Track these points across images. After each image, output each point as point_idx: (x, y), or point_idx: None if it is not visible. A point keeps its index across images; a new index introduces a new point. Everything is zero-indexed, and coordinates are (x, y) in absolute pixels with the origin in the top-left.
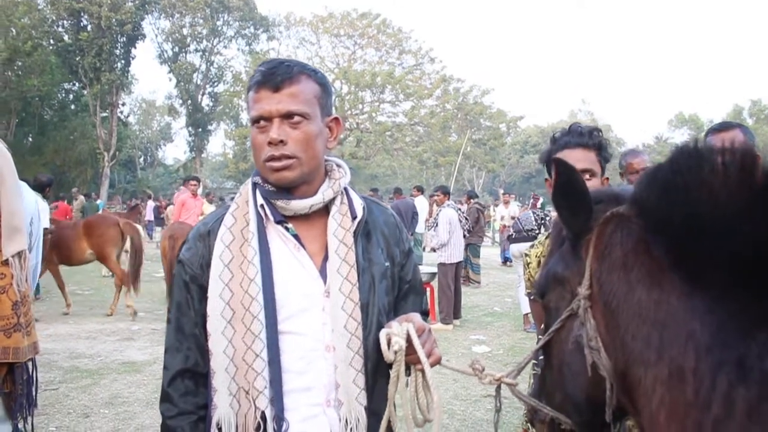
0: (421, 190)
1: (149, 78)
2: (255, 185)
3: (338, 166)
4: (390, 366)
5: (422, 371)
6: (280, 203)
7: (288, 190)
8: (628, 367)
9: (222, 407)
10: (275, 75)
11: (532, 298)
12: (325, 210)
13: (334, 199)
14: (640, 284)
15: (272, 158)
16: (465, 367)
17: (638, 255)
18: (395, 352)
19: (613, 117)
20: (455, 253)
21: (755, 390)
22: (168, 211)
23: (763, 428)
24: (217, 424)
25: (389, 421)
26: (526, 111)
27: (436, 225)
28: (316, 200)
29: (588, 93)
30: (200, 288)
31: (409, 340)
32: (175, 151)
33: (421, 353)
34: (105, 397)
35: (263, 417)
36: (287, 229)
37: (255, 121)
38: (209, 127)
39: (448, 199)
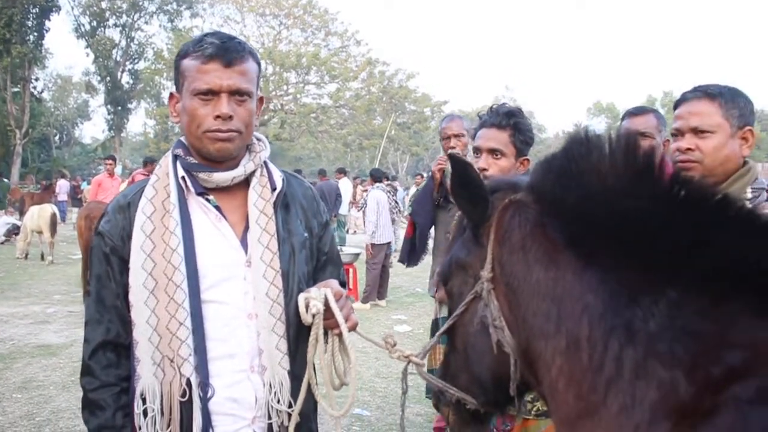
0: (344, 172)
1: (65, 53)
2: (176, 157)
3: (258, 140)
4: (310, 330)
5: (339, 335)
6: (202, 175)
7: (212, 163)
8: (530, 342)
9: (146, 377)
10: (229, 51)
11: None
12: (246, 182)
13: (254, 171)
14: (538, 264)
15: (218, 131)
16: (378, 339)
17: (535, 237)
18: (313, 315)
19: (536, 104)
20: (385, 234)
21: (641, 349)
22: (85, 192)
23: (647, 382)
24: (141, 394)
25: (309, 384)
26: (450, 96)
27: (366, 205)
28: (238, 173)
29: (512, 80)
30: (121, 260)
31: (326, 304)
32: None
33: (339, 316)
34: (18, 382)
35: (188, 384)
36: (208, 200)
37: (201, 93)
38: (129, 106)
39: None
